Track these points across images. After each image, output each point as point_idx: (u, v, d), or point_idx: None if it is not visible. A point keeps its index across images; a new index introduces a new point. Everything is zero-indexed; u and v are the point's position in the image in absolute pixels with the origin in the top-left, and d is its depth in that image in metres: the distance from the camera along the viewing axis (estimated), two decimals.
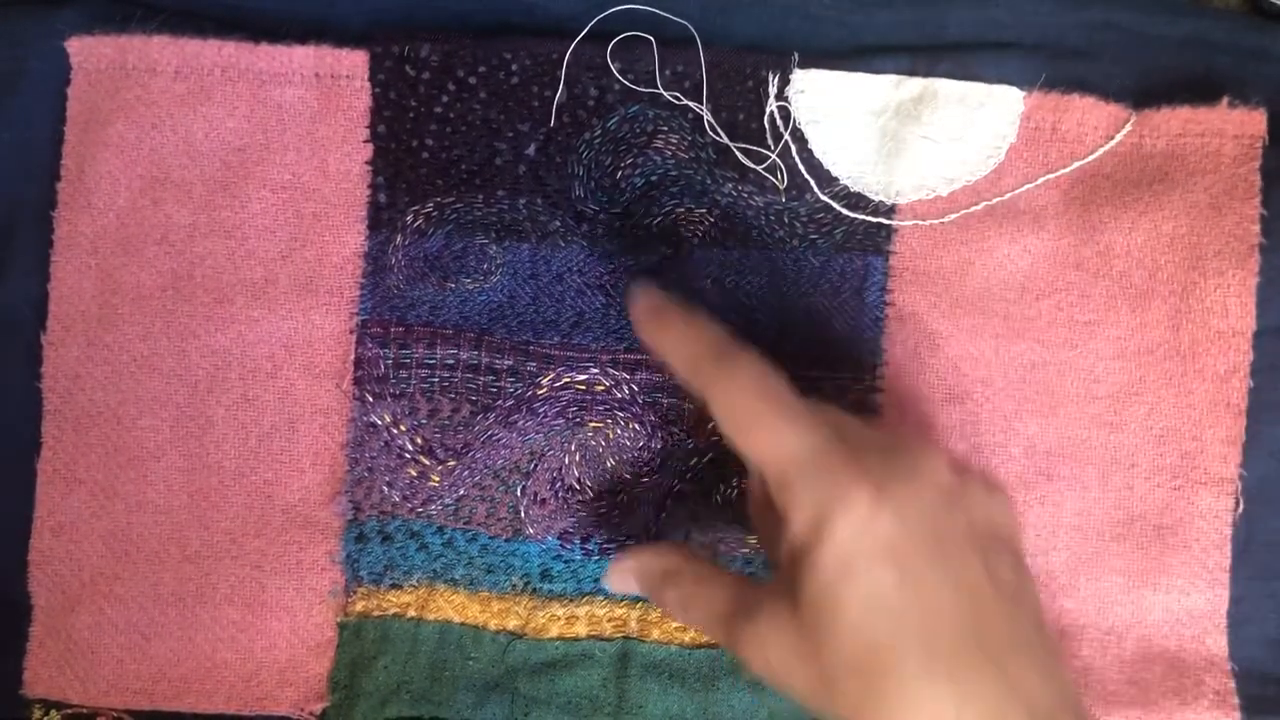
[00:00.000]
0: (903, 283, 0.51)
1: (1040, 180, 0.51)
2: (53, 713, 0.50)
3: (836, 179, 0.51)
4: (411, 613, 0.51)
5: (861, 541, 0.36)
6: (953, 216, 0.51)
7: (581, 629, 0.51)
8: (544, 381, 0.50)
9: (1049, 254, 0.51)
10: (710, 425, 0.50)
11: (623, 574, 0.45)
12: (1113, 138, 0.50)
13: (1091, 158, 0.51)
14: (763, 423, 0.39)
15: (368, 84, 0.50)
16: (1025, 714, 0.35)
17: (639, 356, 0.50)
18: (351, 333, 0.50)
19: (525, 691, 0.51)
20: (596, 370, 0.50)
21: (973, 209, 0.51)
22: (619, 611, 0.51)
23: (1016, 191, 0.51)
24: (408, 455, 0.50)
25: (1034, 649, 0.37)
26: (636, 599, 0.51)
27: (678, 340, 0.42)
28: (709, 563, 0.44)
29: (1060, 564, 0.51)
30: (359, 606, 0.51)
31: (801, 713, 0.50)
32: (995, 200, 0.51)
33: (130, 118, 0.49)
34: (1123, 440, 0.51)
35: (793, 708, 0.50)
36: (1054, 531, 0.51)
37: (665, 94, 0.50)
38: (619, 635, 0.51)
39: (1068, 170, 0.51)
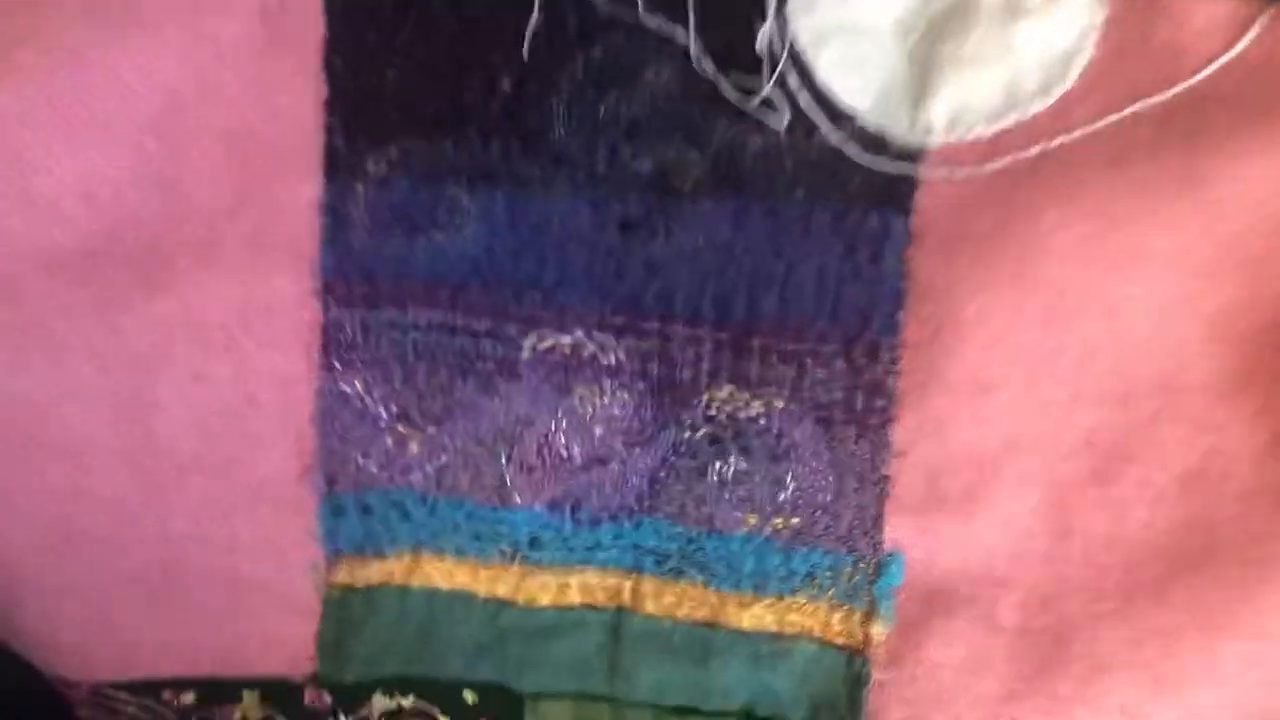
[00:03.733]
0: (927, 248, 0.43)
1: (1127, 112, 0.41)
2: None
3: (850, 116, 0.43)
4: (397, 580, 0.49)
5: None
6: (997, 164, 0.42)
7: (574, 597, 0.49)
8: (525, 345, 0.46)
9: (1131, 211, 0.41)
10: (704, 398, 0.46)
11: None
12: (1232, 48, 0.40)
13: (1199, 77, 0.40)
14: None
15: (321, 15, 0.44)
16: None
17: (627, 319, 0.46)
18: (313, 294, 0.46)
19: (517, 655, 0.49)
20: (582, 333, 0.46)
21: (1025, 154, 0.42)
22: (612, 581, 0.48)
23: (1090, 128, 0.41)
24: (383, 424, 0.47)
25: None
26: (631, 567, 0.48)
27: None
28: None
29: (1113, 585, 0.44)
30: (341, 577, 0.49)
31: (799, 693, 0.47)
32: (1058, 141, 0.42)
33: (40, 49, 0.43)
34: (1218, 444, 0.42)
35: (791, 689, 0.47)
36: (1110, 546, 0.44)
37: (646, 17, 0.43)
38: (612, 605, 0.48)
39: (1165, 97, 0.40)
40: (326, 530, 0.48)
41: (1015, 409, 0.43)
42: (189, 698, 0.50)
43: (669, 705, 0.48)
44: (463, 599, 0.49)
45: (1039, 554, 0.44)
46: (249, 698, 0.50)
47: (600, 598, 0.48)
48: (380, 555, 0.48)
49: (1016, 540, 0.44)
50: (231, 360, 0.47)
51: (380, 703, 0.50)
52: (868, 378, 0.45)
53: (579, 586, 0.48)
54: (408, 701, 0.50)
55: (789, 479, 0.46)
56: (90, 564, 0.48)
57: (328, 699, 0.50)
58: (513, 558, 0.48)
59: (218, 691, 0.50)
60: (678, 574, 0.48)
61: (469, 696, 0.49)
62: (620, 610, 0.48)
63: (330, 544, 0.48)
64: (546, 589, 0.48)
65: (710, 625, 0.48)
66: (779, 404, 0.45)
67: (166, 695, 0.50)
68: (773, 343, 0.45)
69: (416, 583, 0.49)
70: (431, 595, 0.49)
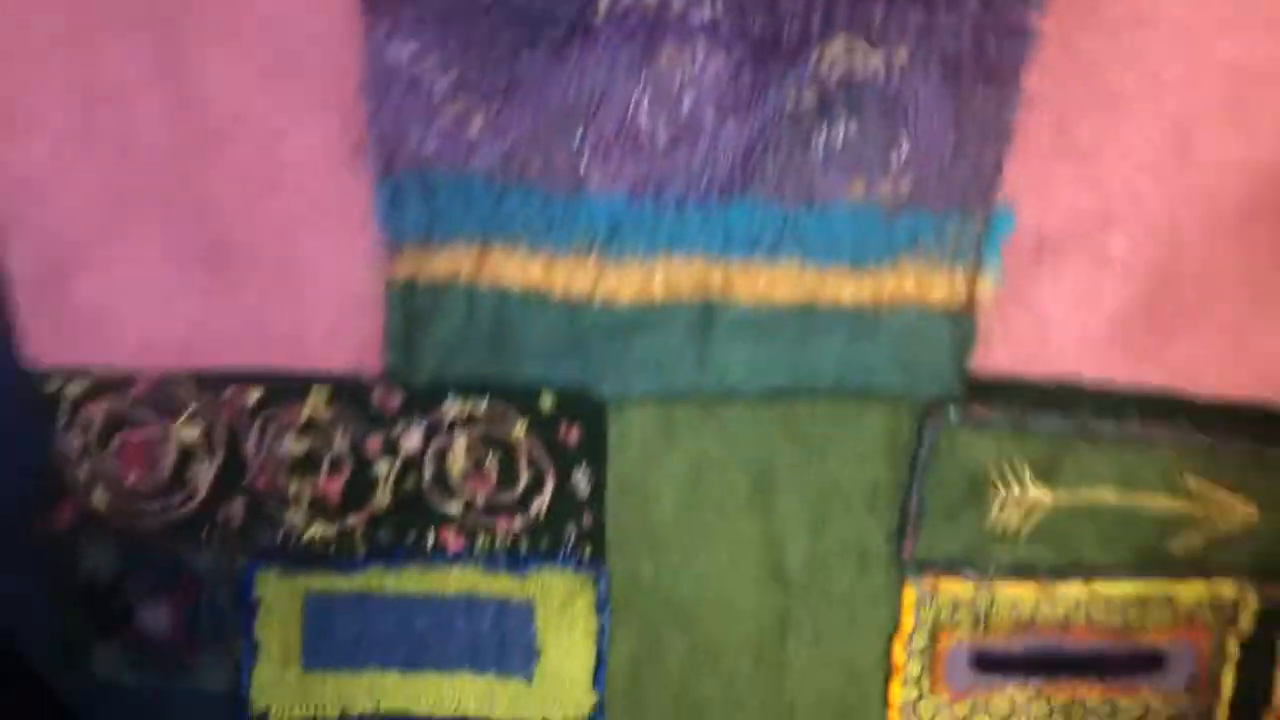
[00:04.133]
0: None
1: None
2: (74, 382, 0.46)
3: None
4: (464, 277, 0.45)
5: None
6: None
7: (658, 289, 0.45)
8: (601, 3, 0.40)
9: None
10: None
11: None
12: None
13: None
14: None
15: None
16: None
17: None
18: None
19: (598, 355, 0.46)
20: None
21: None
22: (699, 268, 0.44)
23: None
24: (439, 97, 0.41)
25: None
26: (720, 253, 0.44)
27: None
28: None
29: (1232, 206, 0.44)
30: (404, 269, 0.45)
31: (896, 358, 0.46)
32: None
33: None
34: None
35: (889, 355, 0.46)
36: (1237, 169, 0.43)
37: None
38: (700, 296, 0.45)
39: None
40: (384, 213, 0.44)
41: (1166, 40, 0.41)
42: (255, 396, 0.46)
43: (759, 393, 0.46)
44: (536, 300, 0.45)
45: (1160, 186, 0.44)
46: (317, 395, 0.46)
47: (686, 288, 0.45)
48: (446, 245, 0.44)
49: (1136, 176, 0.43)
50: (263, 12, 0.41)
51: (453, 407, 0.46)
52: (1009, 18, 0.40)
53: (663, 277, 0.44)
54: (482, 405, 0.46)
55: (904, 139, 0.42)
56: (141, 234, 0.44)
57: (398, 401, 0.46)
58: (590, 249, 0.44)
59: (284, 389, 0.46)
60: (772, 256, 0.44)
61: (547, 400, 0.46)
62: (709, 303, 0.45)
63: (389, 228, 0.44)
64: (628, 282, 0.44)
65: (808, 306, 0.45)
66: (902, 56, 0.40)
67: (230, 392, 0.46)
68: None
69: (486, 281, 0.44)
70: (503, 295, 0.45)
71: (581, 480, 0.47)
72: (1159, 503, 0.47)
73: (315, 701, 0.50)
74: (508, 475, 0.47)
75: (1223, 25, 0.41)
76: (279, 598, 0.49)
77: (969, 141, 0.42)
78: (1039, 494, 0.47)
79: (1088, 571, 0.49)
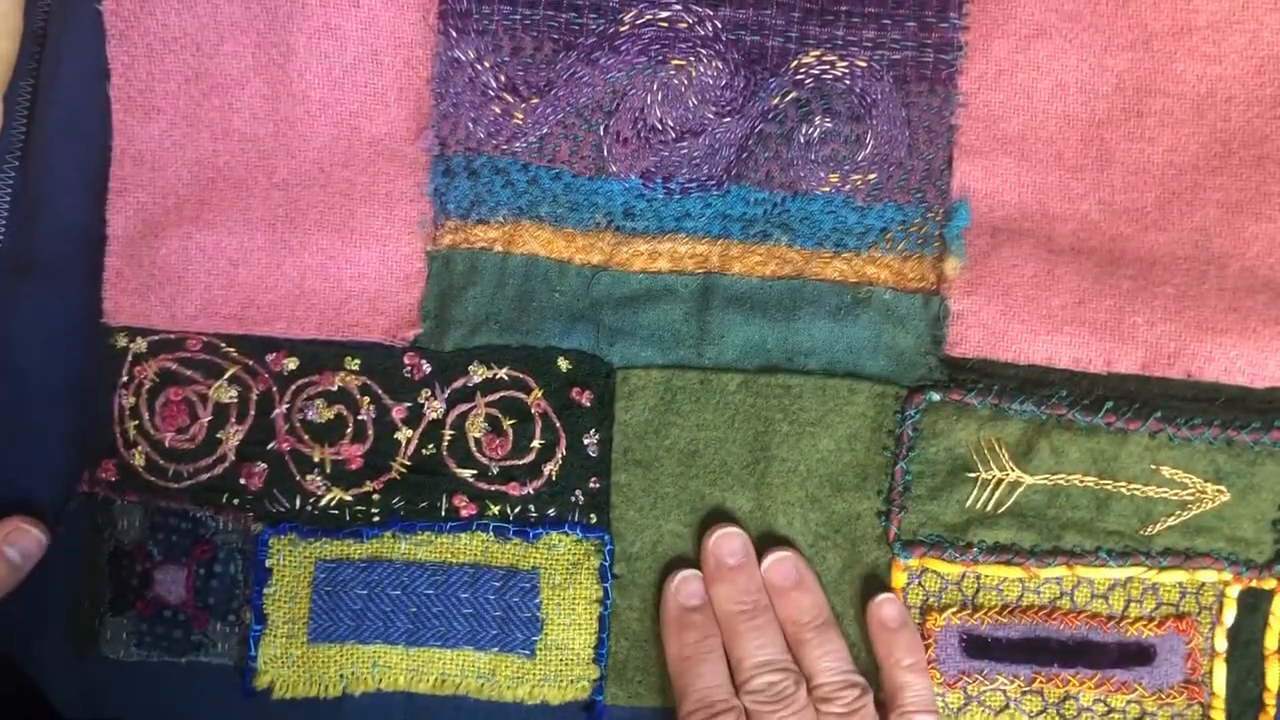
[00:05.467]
0: None
1: None
2: (138, 339, 0.50)
3: None
4: (499, 247, 0.51)
5: None
6: None
7: (664, 264, 0.52)
8: (626, 18, 0.50)
9: None
10: None
11: None
12: None
13: None
14: None
15: None
16: None
17: None
18: None
19: (610, 323, 0.51)
20: (679, 6, 0.50)
21: None
22: (701, 248, 0.52)
23: None
24: (491, 92, 0.50)
25: None
26: (718, 235, 0.51)
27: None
28: None
29: (1151, 200, 0.51)
30: (447, 239, 0.51)
31: (878, 341, 0.51)
32: None
33: None
34: (1220, 72, 0.50)
35: (871, 337, 0.51)
36: (1144, 168, 0.51)
37: None
38: (700, 271, 0.52)
39: None
40: (436, 188, 0.51)
41: (1065, 53, 0.51)
42: (292, 363, 0.51)
43: (755, 368, 0.52)
44: (558, 266, 0.51)
45: (1083, 181, 0.51)
46: (349, 364, 0.51)
47: (689, 265, 0.52)
48: (484, 222, 0.51)
49: (1065, 175, 0.51)
50: (359, 17, 0.50)
51: (476, 372, 0.51)
52: (938, 34, 0.51)
53: (668, 255, 0.52)
54: (503, 371, 0.51)
55: (869, 136, 0.51)
56: (228, 203, 0.50)
57: (426, 368, 0.51)
58: (607, 226, 0.52)
59: (319, 357, 0.51)
60: (764, 237, 0.52)
61: (562, 364, 0.51)
62: (709, 275, 0.51)
63: (439, 202, 0.51)
64: (638, 256, 0.52)
65: (796, 279, 0.52)
66: (862, 63, 0.50)
67: (271, 358, 0.51)
68: (857, 6, 0.50)
69: (517, 250, 0.51)
70: (530, 262, 0.51)
71: (591, 445, 0.51)
72: (1134, 488, 0.51)
73: (317, 679, 0.50)
74: (523, 439, 0.51)
75: (1110, 40, 0.50)
76: (290, 565, 0.50)
77: (921, 140, 0.51)
78: (1017, 476, 0.51)
79: (1070, 556, 0.51)
